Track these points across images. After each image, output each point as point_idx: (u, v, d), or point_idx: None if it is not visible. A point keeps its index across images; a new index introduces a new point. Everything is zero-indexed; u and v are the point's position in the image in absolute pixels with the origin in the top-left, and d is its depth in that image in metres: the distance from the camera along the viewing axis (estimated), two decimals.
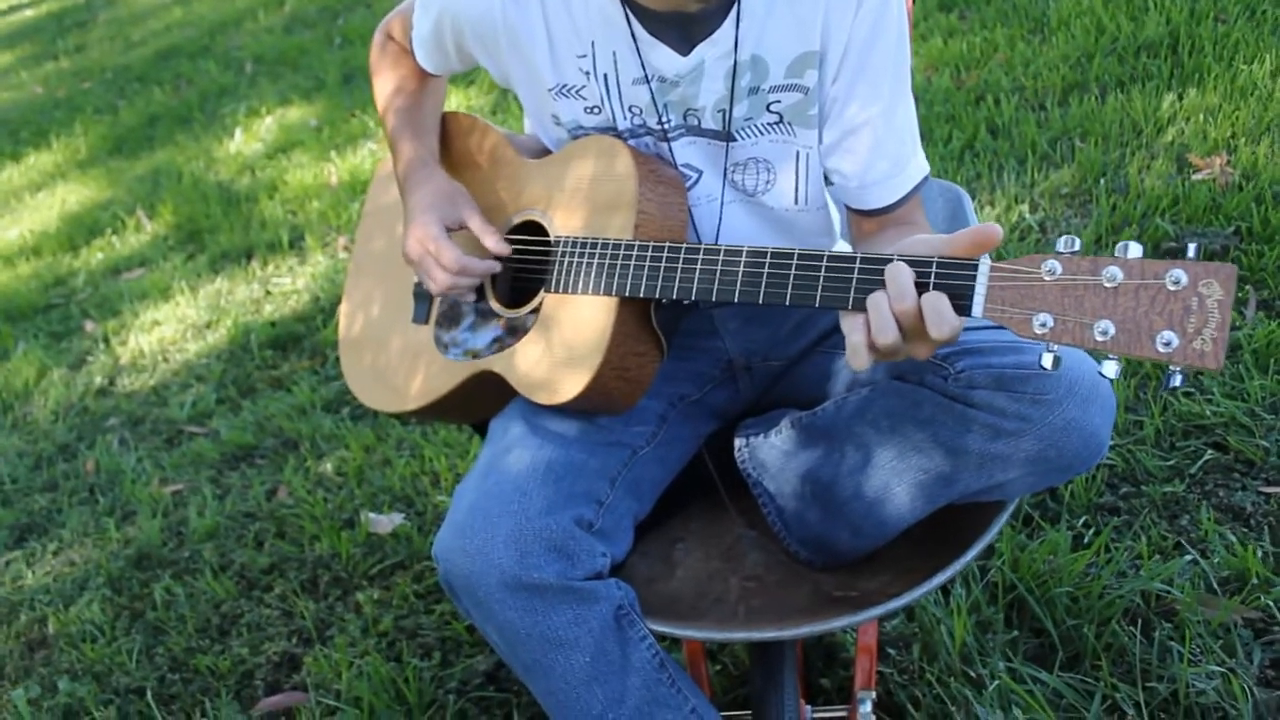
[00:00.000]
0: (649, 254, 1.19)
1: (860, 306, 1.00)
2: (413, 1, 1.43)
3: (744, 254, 1.12)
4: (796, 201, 1.34)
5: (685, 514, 1.54)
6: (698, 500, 1.54)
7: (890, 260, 0.98)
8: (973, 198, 2.68)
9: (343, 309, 1.62)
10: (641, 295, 1.19)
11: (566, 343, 1.26)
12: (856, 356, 0.98)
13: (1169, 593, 1.57)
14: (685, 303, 1.22)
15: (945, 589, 1.67)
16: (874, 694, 1.49)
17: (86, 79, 6.15)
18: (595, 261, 1.24)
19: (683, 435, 1.43)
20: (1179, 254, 2.28)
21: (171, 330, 3.21)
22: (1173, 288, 0.84)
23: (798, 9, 1.20)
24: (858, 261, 1.01)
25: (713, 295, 1.14)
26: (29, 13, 8.17)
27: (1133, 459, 1.83)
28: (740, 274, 1.12)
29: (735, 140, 1.29)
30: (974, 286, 0.93)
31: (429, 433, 2.35)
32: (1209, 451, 1.81)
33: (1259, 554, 1.61)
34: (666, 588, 1.45)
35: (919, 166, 1.30)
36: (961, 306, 0.93)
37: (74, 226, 4.16)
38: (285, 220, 3.67)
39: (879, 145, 1.26)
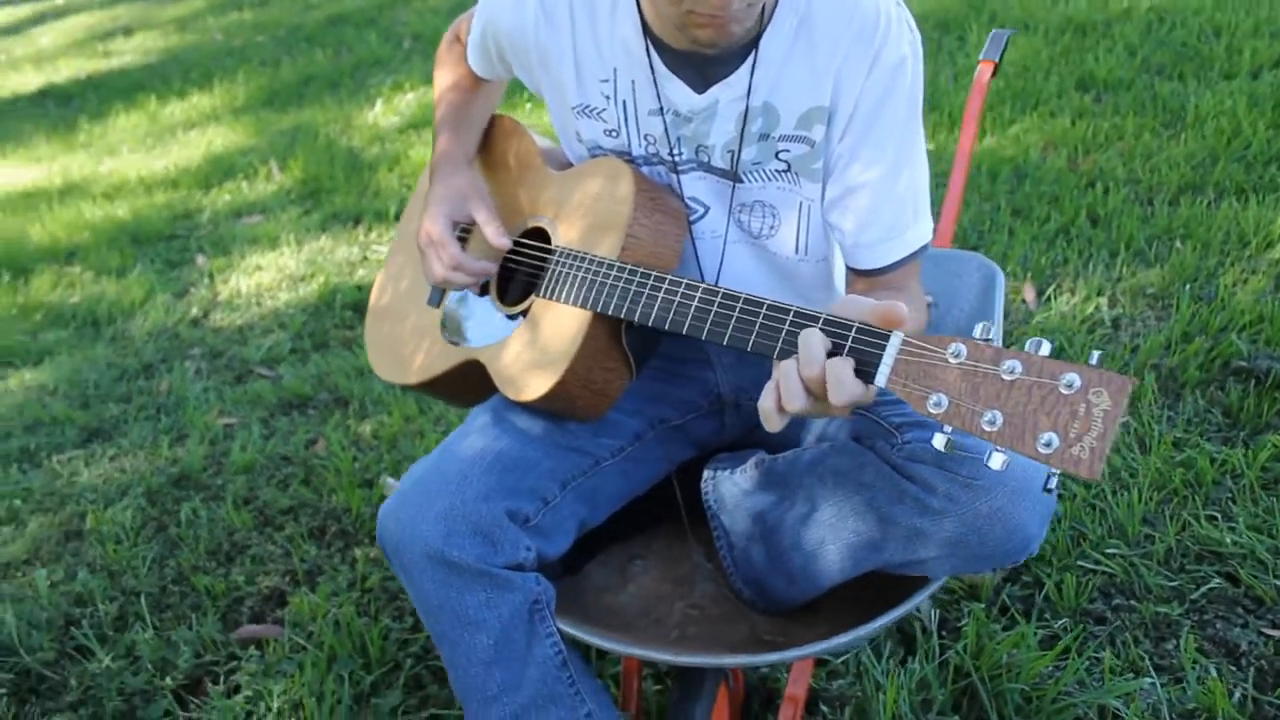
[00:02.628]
0: (625, 276, 1.24)
1: (785, 355, 1.02)
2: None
3: (700, 290, 1.15)
4: (797, 251, 1.36)
5: (651, 533, 1.58)
6: (667, 523, 1.58)
7: (818, 319, 1.00)
8: (1055, 282, 2.63)
9: (378, 279, 1.71)
10: (611, 313, 1.24)
11: (542, 345, 1.32)
12: (768, 420, 1.00)
13: (1122, 714, 1.53)
14: (655, 328, 1.26)
15: (903, 660, 1.66)
16: None
17: (262, 33, 6.51)
18: (580, 275, 1.29)
19: (654, 456, 1.47)
20: (1246, 375, 2.20)
21: (269, 277, 3.39)
22: (1065, 391, 0.84)
23: (813, 63, 1.23)
24: (790, 314, 1.04)
25: (666, 324, 1.18)
26: None
27: (1134, 572, 1.78)
28: (693, 308, 1.15)
29: (742, 182, 1.32)
30: (881, 357, 0.94)
31: (464, 416, 2.43)
32: (1217, 580, 1.75)
33: (1236, 695, 1.55)
34: (614, 600, 1.49)
35: (918, 235, 1.30)
36: (867, 375, 0.95)
37: (212, 167, 4.42)
38: (398, 193, 3.83)
39: (876, 208, 1.27)
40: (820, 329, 0.99)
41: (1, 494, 2.41)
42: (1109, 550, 1.82)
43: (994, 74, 1.88)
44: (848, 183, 1.28)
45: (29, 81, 6.32)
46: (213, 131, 4.91)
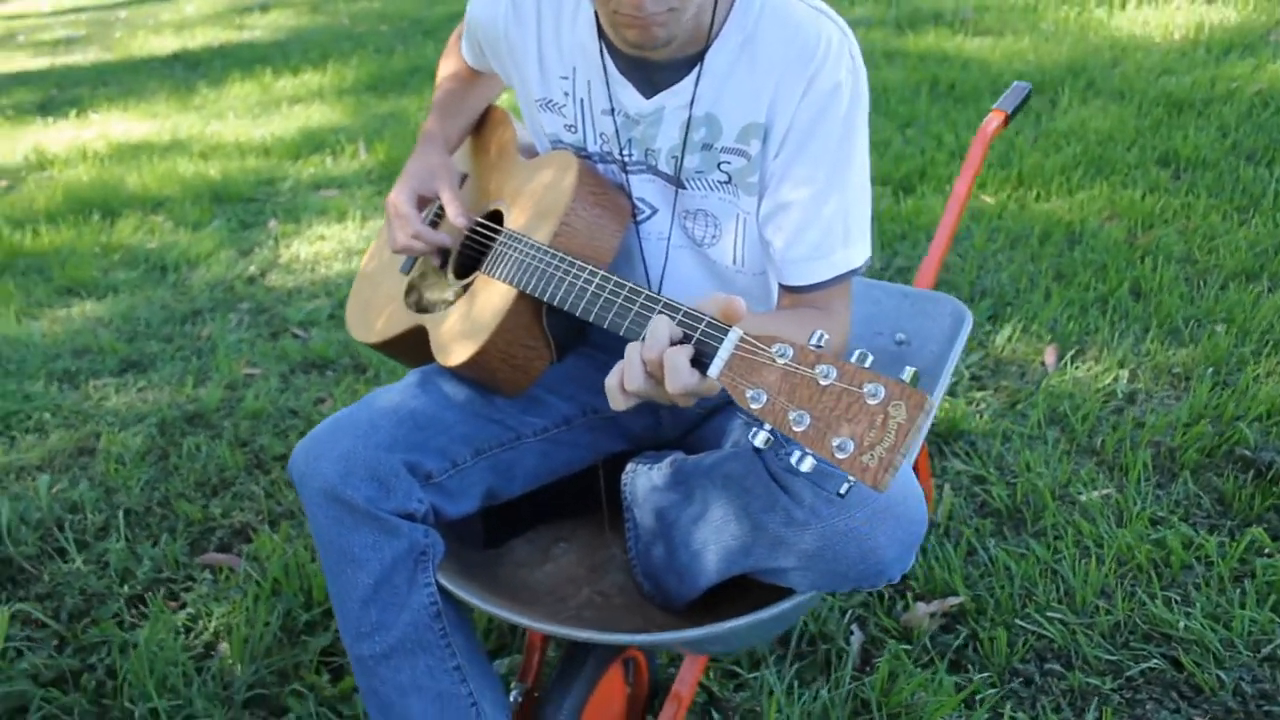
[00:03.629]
0: (551, 260, 1.29)
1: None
2: None
3: (598, 276, 1.20)
4: (734, 262, 1.40)
5: (580, 520, 1.63)
6: (598, 512, 1.62)
7: (679, 310, 1.04)
8: (1080, 349, 2.59)
9: (371, 246, 1.80)
10: (530, 293, 1.30)
11: (472, 317, 1.38)
12: (612, 397, 1.05)
13: None
14: (567, 313, 1.30)
15: (811, 682, 1.66)
16: None
17: (385, 22, 6.78)
18: (515, 255, 1.35)
19: (581, 442, 1.51)
20: (1247, 464, 2.14)
21: (329, 247, 3.54)
22: (869, 401, 0.87)
23: (753, 80, 1.27)
24: (660, 304, 1.08)
25: (567, 306, 1.23)
26: None
27: (1074, 640, 1.75)
28: (589, 292, 1.20)
29: (685, 189, 1.36)
30: (718, 350, 0.98)
31: None
32: (1159, 661, 1.71)
33: None
34: (529, 576, 1.54)
35: (846, 259, 1.32)
36: (703, 365, 0.99)
37: (305, 140, 4.63)
38: None
39: (803, 227, 1.30)
40: (676, 319, 1.03)
41: (36, 406, 2.58)
42: (1052, 614, 1.79)
43: (1004, 125, 1.88)
44: (779, 199, 1.31)
45: (166, 45, 6.69)
46: (315, 108, 5.13)
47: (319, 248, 3.55)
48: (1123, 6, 5.29)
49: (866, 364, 0.89)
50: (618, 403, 1.03)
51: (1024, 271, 2.97)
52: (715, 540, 1.27)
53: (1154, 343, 2.60)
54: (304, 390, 2.60)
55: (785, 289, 1.36)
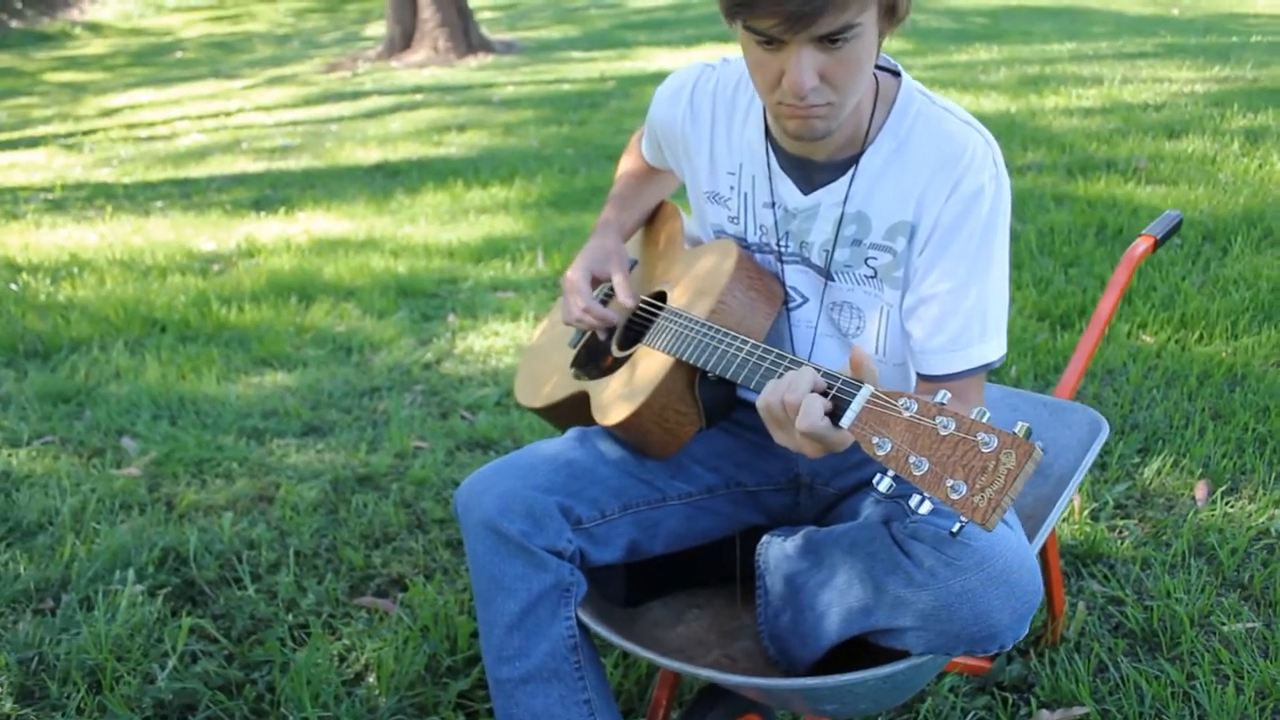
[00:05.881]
0: (705, 331, 1.43)
1: None
2: None
3: (748, 344, 1.33)
4: (877, 351, 1.51)
5: (715, 590, 1.72)
6: (732, 584, 1.72)
7: (819, 369, 1.17)
8: (1234, 487, 2.54)
9: (540, 324, 1.99)
10: (686, 360, 1.44)
11: (632, 382, 1.52)
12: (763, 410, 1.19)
13: None
14: (723, 381, 1.43)
15: None
16: None
17: (571, 146, 7.23)
18: (675, 328, 1.49)
19: (721, 511, 1.62)
20: None
21: (502, 343, 3.79)
22: (983, 449, 0.96)
23: (903, 180, 1.40)
24: (807, 365, 1.20)
25: (719, 369, 1.36)
26: (566, 87, 9.68)
27: None
28: (739, 358, 1.33)
29: (833, 280, 1.49)
30: (850, 403, 1.09)
31: None
32: None
33: None
34: (663, 634, 1.64)
35: (981, 354, 1.41)
36: (839, 417, 1.09)
37: (487, 246, 4.97)
38: None
39: (942, 319, 1.40)
40: (817, 370, 1.15)
41: (226, 456, 2.86)
42: None
43: (1151, 249, 1.94)
44: (921, 293, 1.41)
45: (370, 156, 7.30)
46: (499, 219, 5.51)
47: (492, 342, 3.80)
48: None
49: (984, 419, 0.98)
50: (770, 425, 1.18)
51: (1179, 409, 2.94)
52: (839, 602, 1.35)
53: None
54: (467, 465, 2.79)
55: (922, 378, 1.45)
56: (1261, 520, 2.40)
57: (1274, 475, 2.59)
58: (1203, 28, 10.97)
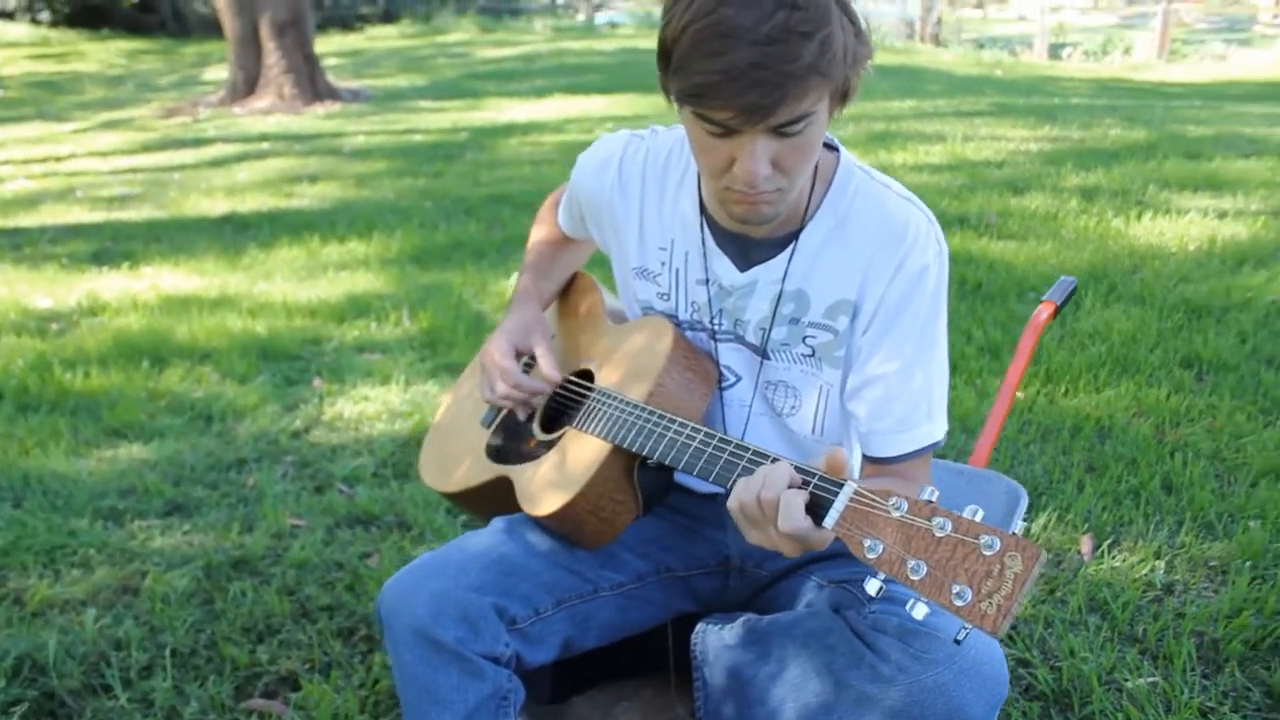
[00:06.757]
0: (646, 417, 1.37)
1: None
2: None
3: (689, 428, 1.28)
4: (813, 431, 1.47)
5: (643, 680, 1.64)
6: (662, 673, 1.63)
7: (778, 457, 1.12)
8: (1116, 540, 2.62)
9: (445, 399, 1.88)
10: (627, 447, 1.36)
11: (563, 469, 1.44)
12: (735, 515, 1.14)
13: None
14: (665, 467, 1.36)
15: None
16: None
17: (429, 199, 7.08)
18: (609, 412, 1.42)
19: (653, 599, 1.55)
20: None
21: (373, 408, 3.63)
22: (986, 551, 0.92)
23: (844, 259, 1.37)
24: (771, 458, 1.15)
25: (668, 460, 1.29)
26: (418, 138, 9.52)
27: None
28: (693, 447, 1.27)
29: (769, 359, 1.44)
30: (834, 501, 1.04)
31: None
32: None
33: None
34: None
35: (928, 433, 1.39)
36: (819, 515, 1.04)
37: (350, 304, 4.79)
38: None
39: (888, 401, 1.37)
40: (792, 465, 1.09)
41: (81, 542, 2.62)
42: None
43: (1052, 316, 1.99)
44: (866, 374, 1.39)
45: (218, 207, 6.97)
46: (360, 275, 5.32)
47: (363, 408, 3.63)
48: (1139, 218, 5.54)
49: (978, 518, 0.94)
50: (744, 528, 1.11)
51: (1057, 463, 3.03)
52: (794, 698, 1.30)
53: (1188, 535, 2.63)
54: (350, 544, 2.63)
55: (869, 459, 1.42)
56: (1145, 572, 2.48)
57: (1150, 526, 2.69)
58: (1025, 89, 11.68)
